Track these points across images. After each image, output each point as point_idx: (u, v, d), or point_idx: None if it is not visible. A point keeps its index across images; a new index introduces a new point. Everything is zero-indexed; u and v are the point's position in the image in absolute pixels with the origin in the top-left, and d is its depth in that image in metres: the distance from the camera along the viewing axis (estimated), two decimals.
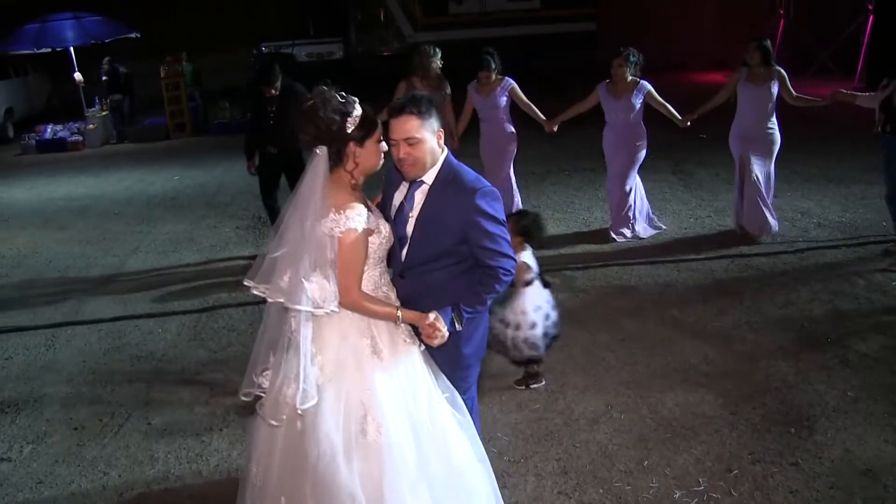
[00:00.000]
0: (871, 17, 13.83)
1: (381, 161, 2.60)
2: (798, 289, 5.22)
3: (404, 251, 2.66)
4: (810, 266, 5.62)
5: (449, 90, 6.30)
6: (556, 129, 6.40)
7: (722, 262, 5.82)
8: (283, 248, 2.49)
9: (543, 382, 4.09)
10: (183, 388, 4.35)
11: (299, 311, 2.44)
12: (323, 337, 2.52)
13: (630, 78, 6.10)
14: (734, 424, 3.66)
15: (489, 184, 2.60)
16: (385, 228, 2.59)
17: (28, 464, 3.70)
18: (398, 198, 2.68)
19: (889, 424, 3.60)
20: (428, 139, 2.52)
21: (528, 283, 3.89)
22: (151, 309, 5.57)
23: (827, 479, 3.23)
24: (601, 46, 14.56)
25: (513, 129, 6.48)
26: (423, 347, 2.64)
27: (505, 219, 2.60)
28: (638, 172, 6.43)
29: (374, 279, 2.60)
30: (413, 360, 2.60)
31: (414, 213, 2.61)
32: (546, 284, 4.00)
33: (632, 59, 6.10)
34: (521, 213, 4.29)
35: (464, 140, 6.64)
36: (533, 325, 3.87)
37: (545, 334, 3.92)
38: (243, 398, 2.56)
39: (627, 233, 6.39)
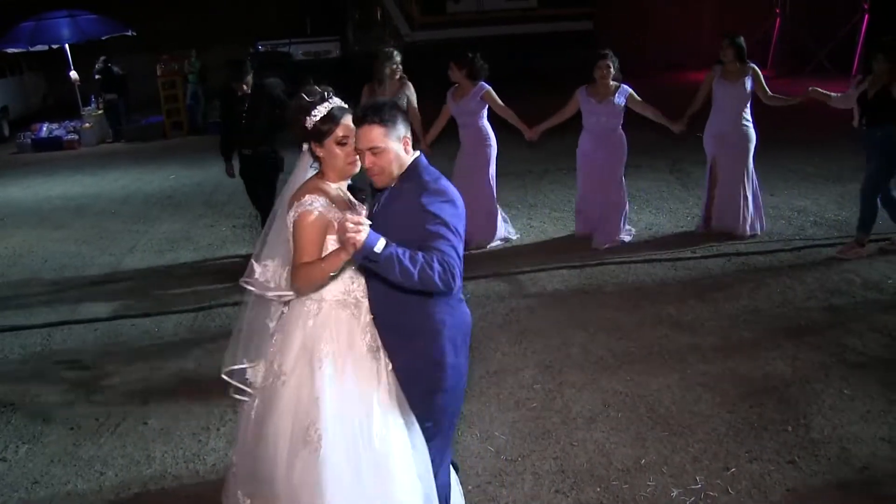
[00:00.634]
0: (867, 16, 13.87)
1: (356, 163, 2.54)
2: (795, 287, 5.23)
3: None
4: (807, 264, 5.63)
5: (412, 93, 6.06)
6: (537, 137, 6.23)
7: (719, 260, 5.82)
8: (266, 245, 2.58)
9: None
10: (180, 387, 4.33)
11: (262, 295, 2.59)
12: (287, 342, 2.54)
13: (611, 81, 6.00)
14: (731, 423, 3.66)
15: (446, 186, 2.44)
16: None
17: (24, 464, 3.69)
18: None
19: (886, 422, 3.60)
20: (393, 147, 2.42)
21: None
22: (148, 308, 5.56)
23: (824, 477, 3.24)
24: (599, 45, 14.59)
25: (491, 135, 6.22)
26: (390, 367, 2.56)
27: (456, 225, 2.37)
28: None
29: (346, 283, 2.55)
30: (374, 378, 2.52)
31: (376, 216, 2.51)
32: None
33: (614, 59, 6.00)
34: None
35: (441, 145, 6.50)
36: None
37: None
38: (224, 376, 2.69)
39: (626, 237, 6.34)
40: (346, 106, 2.57)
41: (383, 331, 2.57)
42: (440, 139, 6.48)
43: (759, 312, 4.88)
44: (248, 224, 7.59)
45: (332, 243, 2.46)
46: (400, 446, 2.49)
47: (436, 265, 2.25)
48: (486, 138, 6.22)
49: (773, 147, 9.18)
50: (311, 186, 2.54)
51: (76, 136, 13.28)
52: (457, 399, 2.66)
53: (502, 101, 6.12)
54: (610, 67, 5.94)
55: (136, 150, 12.60)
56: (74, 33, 12.42)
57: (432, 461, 2.59)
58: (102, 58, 13.48)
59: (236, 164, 6.29)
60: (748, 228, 6.17)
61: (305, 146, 2.59)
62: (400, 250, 2.23)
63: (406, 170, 2.48)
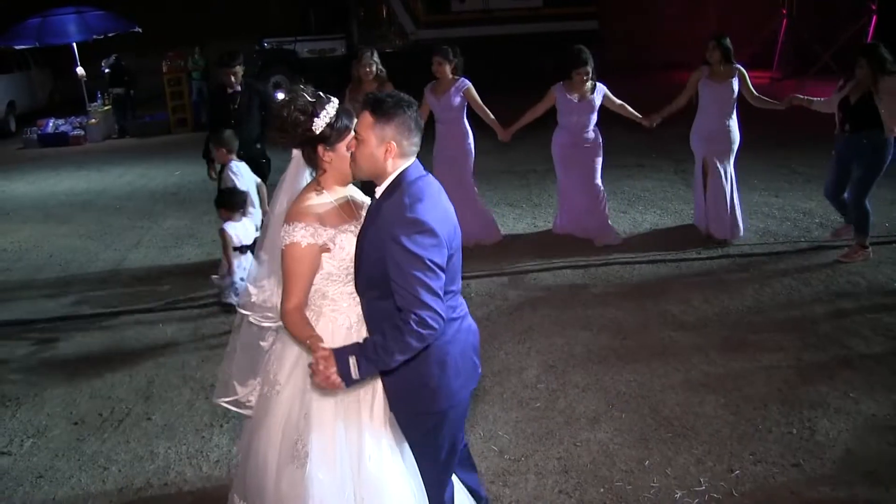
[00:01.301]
0: (875, 18, 13.80)
1: None
2: (800, 289, 5.21)
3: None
4: (812, 266, 5.61)
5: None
6: (510, 139, 6.22)
7: (724, 261, 5.81)
8: (262, 265, 2.57)
9: None
10: (183, 383, 4.34)
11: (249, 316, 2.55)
12: (284, 352, 2.50)
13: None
14: (735, 424, 3.65)
15: (423, 212, 2.20)
16: (349, 245, 2.38)
17: (28, 458, 3.70)
18: None
19: (891, 426, 3.59)
20: (372, 143, 2.26)
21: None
22: (152, 304, 5.57)
23: (829, 480, 3.22)
24: (604, 45, 14.56)
25: (470, 133, 6.19)
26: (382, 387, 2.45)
27: (432, 257, 2.18)
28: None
29: (346, 299, 2.44)
30: (367, 396, 2.42)
31: (360, 233, 2.36)
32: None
33: (592, 62, 5.99)
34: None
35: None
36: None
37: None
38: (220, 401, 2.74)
39: (621, 234, 6.32)
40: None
41: None
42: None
43: (764, 314, 4.87)
44: None
45: (327, 261, 2.37)
46: (391, 468, 2.40)
47: (412, 329, 2.13)
48: (467, 134, 6.21)
49: (779, 148, 9.18)
50: (303, 207, 2.38)
51: (82, 132, 13.32)
52: (450, 425, 2.44)
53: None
54: (589, 73, 5.98)
55: (142, 147, 12.62)
56: (81, 30, 12.44)
57: (426, 487, 2.47)
58: (115, 55, 13.56)
59: None
60: (730, 232, 6.13)
61: (297, 151, 2.43)
62: (371, 349, 2.17)
63: (390, 184, 2.30)
